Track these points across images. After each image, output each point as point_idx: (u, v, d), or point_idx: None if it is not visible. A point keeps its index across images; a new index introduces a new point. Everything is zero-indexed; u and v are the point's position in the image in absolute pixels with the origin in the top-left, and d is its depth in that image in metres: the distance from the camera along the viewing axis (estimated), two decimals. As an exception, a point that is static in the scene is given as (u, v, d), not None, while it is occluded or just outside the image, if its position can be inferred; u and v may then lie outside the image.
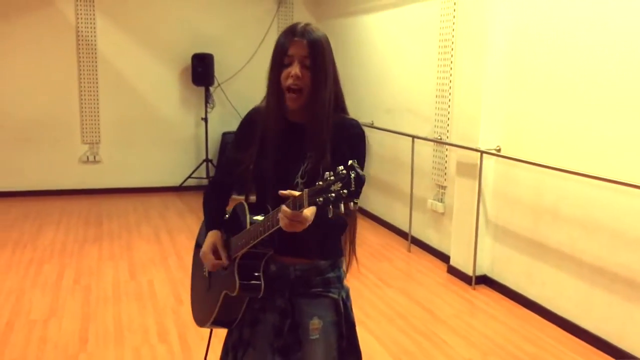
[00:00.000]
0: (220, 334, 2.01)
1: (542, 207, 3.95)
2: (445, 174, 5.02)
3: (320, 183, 1.34)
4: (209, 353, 2.09)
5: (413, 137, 5.24)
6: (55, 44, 7.00)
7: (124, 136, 7.42)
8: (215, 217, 1.88)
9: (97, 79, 7.20)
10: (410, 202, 5.38)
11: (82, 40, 7.09)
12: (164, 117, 7.53)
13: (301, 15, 7.79)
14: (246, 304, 1.80)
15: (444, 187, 5.07)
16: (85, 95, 7.19)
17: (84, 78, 7.16)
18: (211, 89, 7.49)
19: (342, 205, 1.31)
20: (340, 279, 1.84)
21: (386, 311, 4.01)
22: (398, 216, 5.82)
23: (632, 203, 3.27)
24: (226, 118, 7.68)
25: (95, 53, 7.15)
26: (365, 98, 6.20)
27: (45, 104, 7.07)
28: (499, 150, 4.31)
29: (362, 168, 1.65)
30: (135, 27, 7.26)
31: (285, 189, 1.51)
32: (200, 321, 1.97)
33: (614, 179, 3.29)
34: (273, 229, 1.55)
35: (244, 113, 7.55)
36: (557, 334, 3.71)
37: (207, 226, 1.86)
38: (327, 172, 1.34)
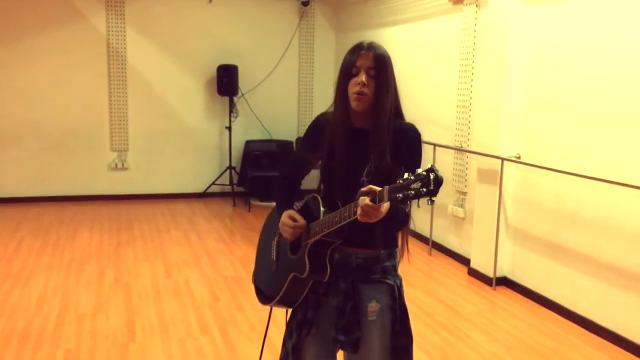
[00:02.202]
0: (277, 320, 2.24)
1: (561, 212, 4.16)
2: (466, 180, 5.24)
3: (400, 182, 1.56)
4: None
5: (435, 145, 5.47)
6: (86, 56, 7.30)
7: (151, 144, 7.69)
8: (288, 203, 2.11)
9: (126, 89, 7.49)
10: (432, 208, 5.60)
11: (113, 51, 7.38)
12: (189, 126, 7.80)
13: (322, 29, 8.07)
14: (309, 288, 2.03)
15: (464, 193, 5.29)
16: (114, 104, 7.47)
17: (113, 88, 7.44)
18: (235, 99, 7.75)
19: (418, 202, 1.53)
20: (395, 268, 2.06)
21: (412, 308, 4.15)
22: (419, 221, 6.04)
23: (647, 206, 3.49)
24: (249, 127, 7.94)
25: (125, 64, 7.44)
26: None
27: (77, 113, 7.36)
28: (519, 158, 4.53)
29: (419, 165, 1.91)
30: (163, 39, 7.55)
31: (353, 186, 1.77)
32: (264, 300, 2.19)
33: (631, 184, 3.50)
34: (348, 220, 1.76)
35: (266, 122, 7.94)
36: (576, 331, 3.92)
37: (282, 209, 2.08)
38: (407, 173, 1.55)
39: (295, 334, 2.08)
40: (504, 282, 4.72)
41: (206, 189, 7.83)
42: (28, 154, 7.25)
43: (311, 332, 2.04)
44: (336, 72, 7.22)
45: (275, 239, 2.17)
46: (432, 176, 1.51)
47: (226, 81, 7.53)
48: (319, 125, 2.10)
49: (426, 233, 5.72)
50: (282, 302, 2.11)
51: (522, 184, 4.56)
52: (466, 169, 5.24)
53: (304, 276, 1.95)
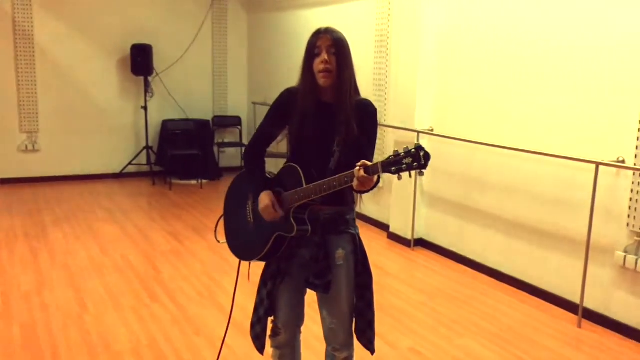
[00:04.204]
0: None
1: (470, 177, 4.71)
2: (383, 153, 5.69)
3: (392, 157, 1.88)
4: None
5: (353, 121, 5.86)
6: (-9, 34, 7.03)
7: (63, 125, 7.54)
8: (262, 179, 2.35)
9: (34, 68, 7.28)
10: (351, 180, 6.01)
11: (19, 30, 7.14)
12: (103, 106, 7.72)
13: (234, 9, 8.21)
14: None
15: (381, 165, 5.74)
16: (22, 84, 7.25)
17: (21, 68, 7.21)
18: (150, 78, 7.76)
19: (410, 174, 1.87)
20: (354, 220, 2.40)
21: (344, 270, 4.61)
22: (337, 193, 6.43)
23: (544, 169, 4.07)
24: (165, 106, 7.99)
25: (33, 43, 7.23)
26: (303, 87, 6.74)
27: (-18, 94, 7.08)
28: (432, 130, 5.02)
29: (376, 135, 2.25)
30: (73, 17, 7.40)
31: (326, 157, 2.10)
32: (246, 257, 2.45)
33: (528, 149, 4.07)
34: (341, 187, 2.06)
35: (181, 101, 8.16)
36: (487, 280, 4.49)
37: (259, 187, 2.32)
38: (397, 149, 1.89)
39: (270, 283, 2.37)
40: (421, 243, 5.24)
41: (123, 169, 7.81)
42: None
43: (285, 280, 2.35)
44: (249, 52, 7.75)
45: (250, 204, 2.43)
46: (422, 153, 1.86)
47: (140, 61, 7.52)
48: (286, 101, 2.34)
49: (346, 203, 6.13)
50: (264, 258, 2.38)
51: (435, 154, 5.06)
52: (383, 142, 5.69)
53: (292, 235, 2.23)
